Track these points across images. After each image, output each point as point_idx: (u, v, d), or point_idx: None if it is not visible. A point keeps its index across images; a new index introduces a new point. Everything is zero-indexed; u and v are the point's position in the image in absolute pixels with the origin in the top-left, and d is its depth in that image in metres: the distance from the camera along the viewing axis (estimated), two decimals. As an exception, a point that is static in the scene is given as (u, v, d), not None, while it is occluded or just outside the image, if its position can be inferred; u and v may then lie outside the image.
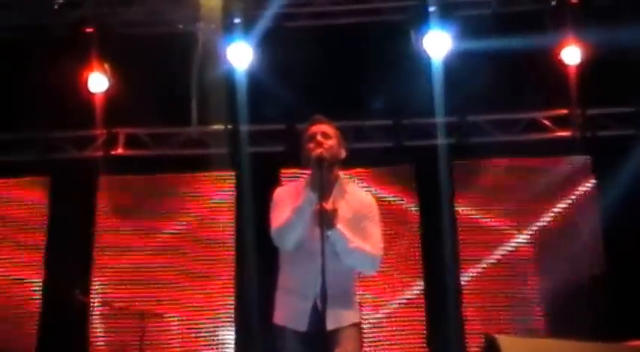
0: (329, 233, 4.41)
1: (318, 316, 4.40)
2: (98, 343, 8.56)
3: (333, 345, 4.51)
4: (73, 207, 8.84)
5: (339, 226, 4.47)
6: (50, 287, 8.72)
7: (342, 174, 4.81)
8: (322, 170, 4.52)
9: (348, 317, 4.63)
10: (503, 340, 5.30)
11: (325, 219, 4.38)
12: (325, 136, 4.67)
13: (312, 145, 4.64)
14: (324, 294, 4.29)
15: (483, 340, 6.19)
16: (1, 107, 8.63)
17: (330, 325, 4.41)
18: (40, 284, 8.79)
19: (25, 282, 8.82)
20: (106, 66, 8.58)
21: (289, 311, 4.63)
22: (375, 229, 4.71)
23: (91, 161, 9.14)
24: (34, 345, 8.56)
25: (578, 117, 8.81)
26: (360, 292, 6.32)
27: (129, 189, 9.10)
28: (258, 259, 8.17)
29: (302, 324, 4.53)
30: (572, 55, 8.38)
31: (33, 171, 9.09)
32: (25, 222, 9.01)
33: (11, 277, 8.86)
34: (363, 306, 7.81)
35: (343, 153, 4.76)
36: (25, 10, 8.71)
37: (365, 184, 8.65)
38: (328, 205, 4.44)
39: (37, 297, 8.77)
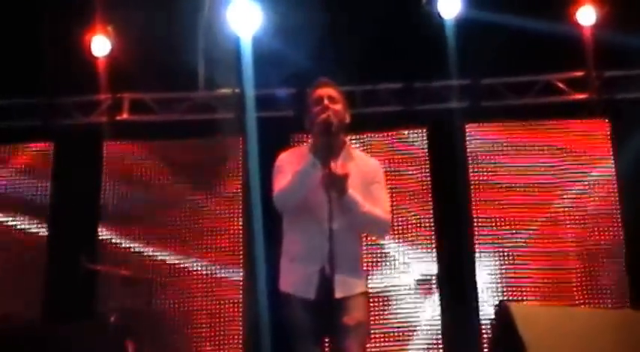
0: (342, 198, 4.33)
1: (325, 283, 4.30)
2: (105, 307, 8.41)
3: (341, 313, 4.39)
4: (77, 173, 8.72)
5: (351, 191, 4.38)
6: (55, 253, 8.60)
7: (347, 139, 4.71)
8: (330, 135, 4.42)
9: (357, 285, 4.53)
10: (516, 307, 5.19)
11: (336, 185, 4.31)
12: (332, 100, 4.57)
13: (318, 109, 4.53)
14: (332, 260, 4.21)
15: (496, 306, 6.07)
16: (3, 71, 8.44)
17: (339, 293, 4.32)
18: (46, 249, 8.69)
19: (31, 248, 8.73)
20: (110, 29, 8.46)
21: (296, 278, 4.51)
22: (383, 193, 4.66)
23: (96, 126, 8.99)
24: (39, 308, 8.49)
25: (595, 79, 8.65)
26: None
27: (134, 154, 8.96)
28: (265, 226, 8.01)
29: (309, 291, 4.41)
30: (587, 15, 8.29)
31: (36, 137, 8.97)
32: (30, 188, 8.87)
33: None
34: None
35: (348, 118, 4.66)
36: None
37: (376, 148, 8.55)
38: (339, 170, 4.35)
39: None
